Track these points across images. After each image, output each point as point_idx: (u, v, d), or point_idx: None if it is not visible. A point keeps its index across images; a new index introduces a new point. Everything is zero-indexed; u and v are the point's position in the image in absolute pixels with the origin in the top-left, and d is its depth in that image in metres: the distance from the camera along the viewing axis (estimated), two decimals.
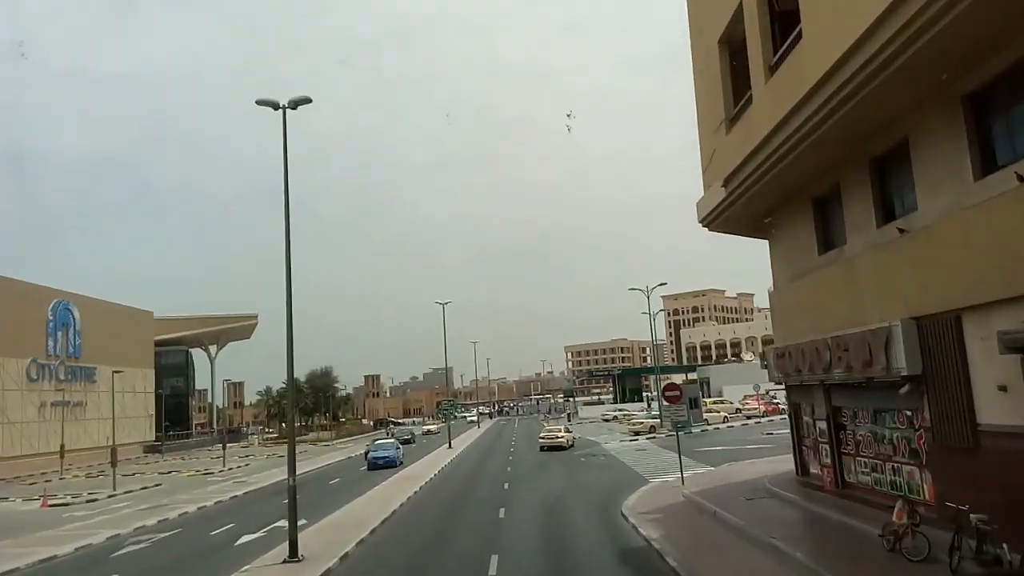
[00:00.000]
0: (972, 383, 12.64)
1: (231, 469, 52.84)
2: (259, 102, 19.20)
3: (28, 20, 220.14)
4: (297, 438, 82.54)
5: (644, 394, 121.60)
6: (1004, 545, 10.74)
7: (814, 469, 20.29)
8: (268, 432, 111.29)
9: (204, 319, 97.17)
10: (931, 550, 12.54)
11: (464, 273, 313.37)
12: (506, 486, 30.24)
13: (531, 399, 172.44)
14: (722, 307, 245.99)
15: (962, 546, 11.55)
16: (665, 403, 26.52)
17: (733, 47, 19.17)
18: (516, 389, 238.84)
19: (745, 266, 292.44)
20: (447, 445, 54.61)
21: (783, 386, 22.27)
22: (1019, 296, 11.11)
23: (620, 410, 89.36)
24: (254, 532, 23.77)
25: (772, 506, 19.74)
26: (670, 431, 54.29)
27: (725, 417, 61.54)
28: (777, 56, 15.92)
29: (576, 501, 25.04)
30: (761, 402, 66.16)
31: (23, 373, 64.94)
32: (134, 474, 55.42)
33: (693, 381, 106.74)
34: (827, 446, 18.85)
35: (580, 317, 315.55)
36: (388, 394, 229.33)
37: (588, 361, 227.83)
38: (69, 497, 38.19)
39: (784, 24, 16.03)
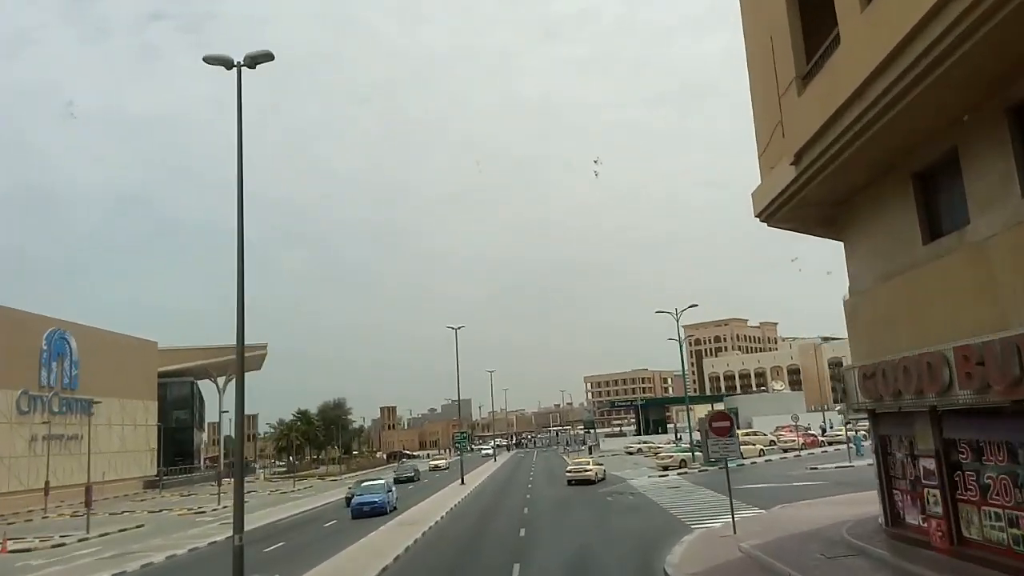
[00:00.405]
0: None
1: (226, 507, 48.74)
2: (208, 59, 15.64)
3: (61, 67, 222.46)
4: (305, 472, 78.26)
5: (670, 425, 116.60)
6: None
7: (913, 519, 15.97)
8: (277, 466, 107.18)
9: (210, 350, 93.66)
10: None
11: (483, 308, 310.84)
12: (522, 532, 25.99)
13: (550, 431, 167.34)
14: (745, 336, 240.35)
15: None
16: (712, 436, 22.25)
17: None
18: (535, 420, 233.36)
19: (767, 296, 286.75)
20: (459, 481, 50.31)
21: (849, 415, 18.17)
22: None
23: (644, 442, 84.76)
24: None
25: (862, 568, 15.42)
26: (703, 466, 49.88)
27: (761, 450, 56.81)
28: None
29: (606, 555, 20.78)
30: (799, 434, 61.34)
31: (13, 405, 61.52)
32: (123, 512, 51.54)
33: (720, 411, 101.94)
34: (937, 490, 14.55)
35: (599, 350, 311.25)
36: (406, 426, 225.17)
37: (608, 392, 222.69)
38: (37, 541, 34.34)
39: None
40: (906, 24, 10.83)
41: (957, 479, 14.19)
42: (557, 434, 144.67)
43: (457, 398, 52.96)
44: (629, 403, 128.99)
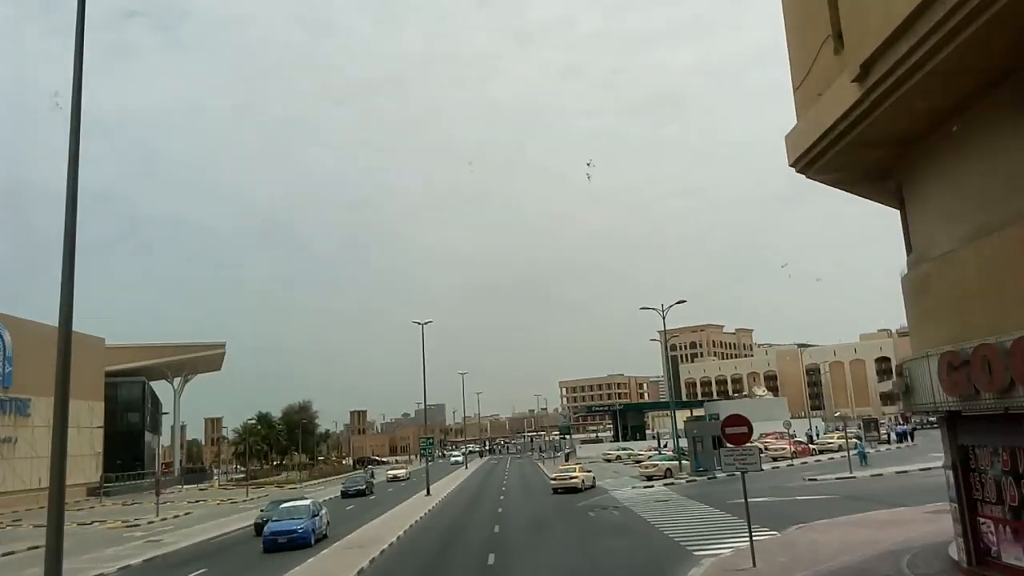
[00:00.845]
0: None
1: (164, 520, 43.93)
2: None
3: (31, 61, 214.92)
4: (263, 479, 73.02)
5: (650, 432, 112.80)
6: None
7: (1014, 557, 11.90)
8: (237, 472, 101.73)
9: (164, 348, 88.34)
10: None
11: (458, 313, 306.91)
12: (491, 559, 21.67)
13: (524, 436, 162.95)
14: (721, 342, 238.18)
15: None
16: (726, 444, 18.15)
17: None
18: (509, 426, 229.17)
19: (741, 303, 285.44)
20: (424, 492, 45.81)
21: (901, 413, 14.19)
22: None
23: (623, 449, 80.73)
24: None
25: None
26: (691, 475, 45.95)
27: None
28: None
29: None
30: (789, 442, 57.63)
31: None
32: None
33: (700, 418, 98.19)
34: None
35: (575, 355, 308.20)
36: (379, 431, 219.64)
37: (583, 397, 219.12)
38: None
39: None
40: None
41: None
42: (531, 440, 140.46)
43: (423, 399, 48.58)
44: (606, 408, 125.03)
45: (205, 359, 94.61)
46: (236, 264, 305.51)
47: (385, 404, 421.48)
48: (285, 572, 20.99)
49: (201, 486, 79.66)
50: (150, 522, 42.89)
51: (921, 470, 41.44)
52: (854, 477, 39.71)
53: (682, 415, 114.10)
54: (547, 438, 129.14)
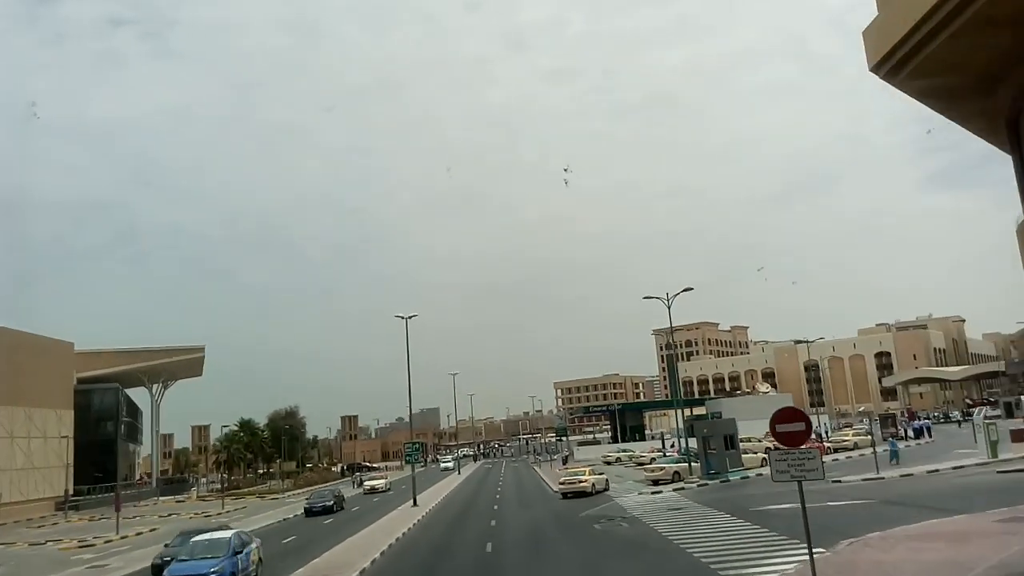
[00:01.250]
0: None
1: (125, 538, 39.91)
2: None
3: (22, 71, 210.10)
4: (245, 489, 68.77)
5: (649, 432, 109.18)
6: None
7: None
8: (221, 481, 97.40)
9: (138, 352, 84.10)
10: None
11: (453, 316, 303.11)
12: None
13: (519, 439, 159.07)
14: (716, 340, 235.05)
15: None
16: (776, 446, 14.38)
17: None
18: (504, 429, 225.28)
19: (735, 301, 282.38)
20: (411, 502, 41.89)
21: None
22: None
23: (623, 450, 77.01)
24: None
25: None
26: (702, 479, 42.15)
27: (763, 459, 49.17)
28: None
29: None
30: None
31: None
32: (3, 544, 42.19)
33: (701, 416, 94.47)
34: None
35: (570, 352, 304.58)
36: (374, 436, 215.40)
37: (579, 399, 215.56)
38: None
39: None
40: None
41: None
42: (527, 442, 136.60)
43: (408, 399, 44.36)
44: (604, 408, 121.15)
45: (184, 364, 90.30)
46: (231, 270, 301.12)
47: (381, 409, 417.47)
48: None
49: (179, 497, 75.42)
50: (107, 541, 38.88)
51: (954, 468, 37.85)
52: (882, 478, 36.08)
53: (684, 414, 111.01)
54: (543, 440, 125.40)
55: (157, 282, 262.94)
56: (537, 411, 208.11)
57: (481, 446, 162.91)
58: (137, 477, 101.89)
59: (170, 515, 55.73)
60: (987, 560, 14.86)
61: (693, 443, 44.45)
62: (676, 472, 43.15)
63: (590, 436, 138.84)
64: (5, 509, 59.77)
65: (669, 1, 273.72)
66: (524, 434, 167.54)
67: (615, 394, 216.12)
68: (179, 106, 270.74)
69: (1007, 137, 11.82)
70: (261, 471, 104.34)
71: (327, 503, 45.22)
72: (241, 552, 20.72)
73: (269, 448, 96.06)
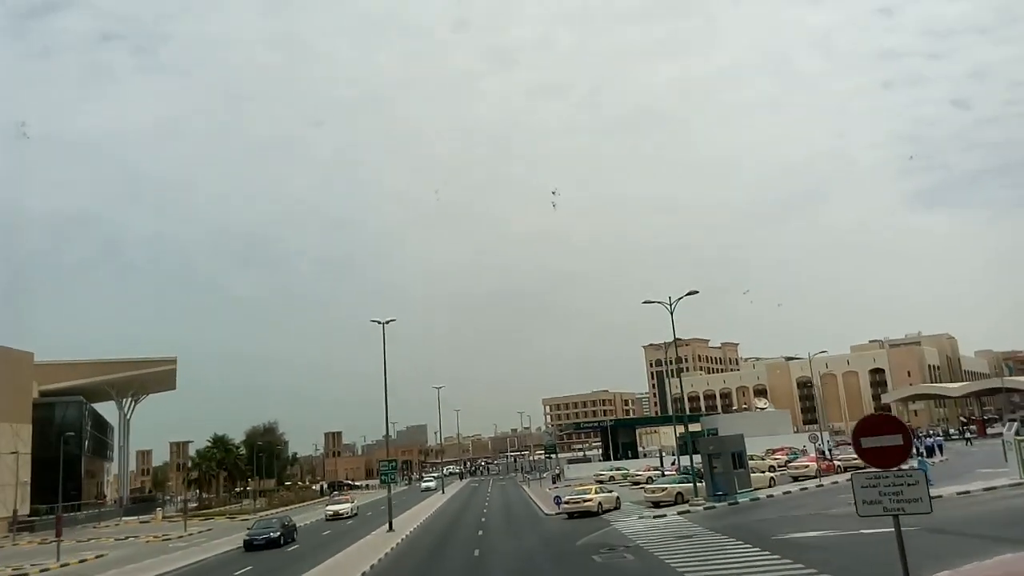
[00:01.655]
0: None
1: (65, 566, 35.67)
2: None
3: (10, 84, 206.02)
4: (216, 509, 64.08)
5: (642, 449, 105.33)
6: None
7: None
8: (190, 501, 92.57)
9: (105, 364, 79.62)
10: None
11: (440, 333, 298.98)
12: None
13: (507, 456, 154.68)
14: (706, 357, 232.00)
15: None
16: (863, 464, 10.64)
17: None
18: (492, 446, 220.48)
19: (724, 318, 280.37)
20: (386, 527, 37.78)
21: None
22: None
23: (616, 468, 73.01)
24: None
25: None
26: (708, 501, 38.38)
27: (772, 479, 45.54)
28: None
29: None
30: (813, 458, 50.18)
31: None
32: None
33: (698, 433, 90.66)
34: None
35: (559, 368, 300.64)
36: (360, 453, 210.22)
37: (568, 416, 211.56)
38: None
39: None
40: None
41: None
42: (515, 460, 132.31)
43: (385, 410, 40.29)
44: (596, 424, 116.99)
45: (155, 377, 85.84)
46: (220, 283, 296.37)
47: (370, 425, 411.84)
48: None
49: (144, 518, 70.64)
50: (44, 570, 34.57)
51: (985, 490, 34.30)
52: None
53: (666, 431, 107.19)
54: (531, 458, 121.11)
55: (144, 296, 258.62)
56: (525, 428, 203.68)
57: (468, 463, 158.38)
58: (107, 496, 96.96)
59: (127, 538, 51.30)
60: None
61: (694, 460, 40.68)
62: (679, 493, 39.36)
63: (579, 453, 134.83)
64: None
65: (657, 19, 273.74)
66: (512, 451, 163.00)
67: (604, 411, 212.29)
68: (168, 119, 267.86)
69: None
70: (238, 489, 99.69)
71: (272, 534, 36.78)
72: None
73: (245, 466, 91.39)
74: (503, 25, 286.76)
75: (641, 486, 49.57)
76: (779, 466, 56.65)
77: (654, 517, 34.55)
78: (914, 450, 58.42)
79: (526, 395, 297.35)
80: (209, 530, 54.28)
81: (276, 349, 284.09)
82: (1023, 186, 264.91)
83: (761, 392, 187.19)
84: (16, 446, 64.09)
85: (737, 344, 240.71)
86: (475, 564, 25.11)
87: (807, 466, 48.62)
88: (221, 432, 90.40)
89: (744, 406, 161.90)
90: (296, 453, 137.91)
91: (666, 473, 52.46)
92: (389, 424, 48.81)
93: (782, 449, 70.83)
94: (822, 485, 42.83)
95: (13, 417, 64.60)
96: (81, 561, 37.57)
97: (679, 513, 34.97)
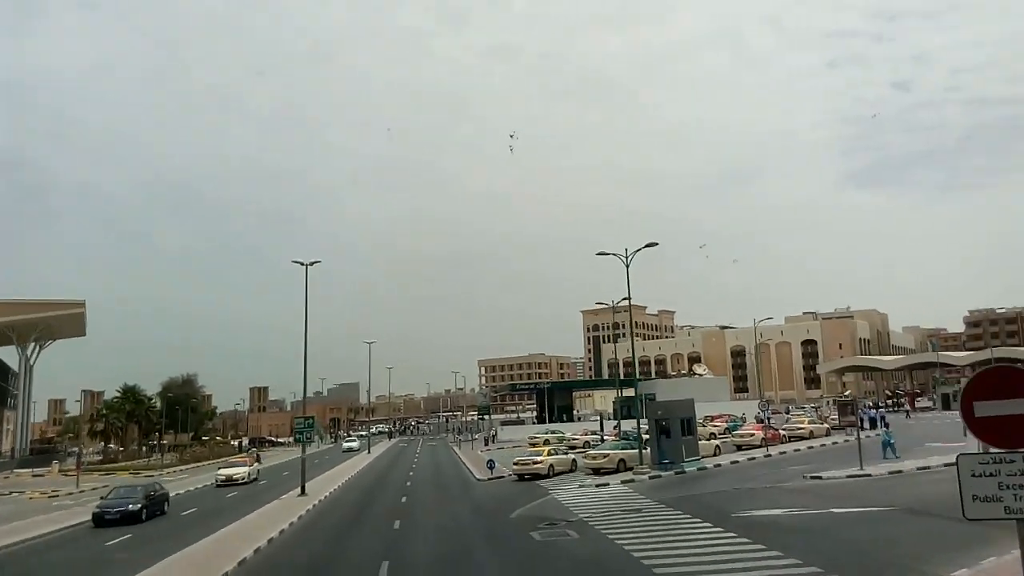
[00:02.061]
0: None
1: None
2: None
3: None
4: (125, 463, 57.36)
5: (577, 412, 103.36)
6: None
7: None
8: (98, 454, 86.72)
9: (3, 305, 72.63)
10: None
11: (378, 290, 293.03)
12: None
13: (440, 416, 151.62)
14: (643, 324, 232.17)
15: None
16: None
17: None
18: (424, 406, 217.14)
19: (661, 285, 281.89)
20: (298, 491, 33.85)
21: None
22: None
23: (552, 432, 70.23)
24: None
25: None
26: (653, 469, 35.57)
27: (717, 447, 43.09)
28: None
29: None
30: (759, 426, 48.01)
31: None
32: None
33: (631, 398, 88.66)
34: None
35: (495, 337, 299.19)
36: (290, 409, 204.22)
37: (503, 378, 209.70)
38: None
39: None
40: None
41: None
42: (447, 420, 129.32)
43: (304, 361, 35.65)
44: (532, 386, 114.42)
45: (61, 321, 79.11)
46: (148, 232, 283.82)
47: (300, 383, 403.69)
48: None
49: (39, 471, 64.95)
50: None
51: (946, 465, 32.19)
52: (870, 475, 30.01)
53: (610, 395, 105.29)
54: (463, 419, 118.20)
55: (69, 244, 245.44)
56: (459, 388, 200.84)
57: (398, 423, 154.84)
58: (8, 446, 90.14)
59: (10, 493, 46.23)
60: None
61: (633, 426, 37.82)
62: (622, 460, 36.44)
63: (514, 415, 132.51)
64: None
65: None
66: (445, 411, 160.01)
67: (540, 374, 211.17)
68: (103, 62, 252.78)
69: None
70: (152, 443, 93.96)
71: (131, 506, 29.19)
72: None
73: (159, 418, 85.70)
74: None
75: (578, 451, 46.75)
76: (719, 433, 54.59)
77: (596, 486, 31.52)
78: (861, 423, 57.21)
79: (464, 356, 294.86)
80: (105, 486, 49.34)
81: (207, 303, 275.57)
82: (953, 170, 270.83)
83: (696, 359, 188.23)
84: None
85: (673, 312, 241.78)
86: (393, 540, 21.45)
87: (752, 435, 46.41)
88: (138, 383, 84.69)
89: (680, 372, 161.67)
90: (216, 407, 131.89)
91: (605, 438, 49.62)
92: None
93: (721, 416, 69.14)
94: (770, 455, 40.54)
95: None
96: None
97: (623, 482, 31.97)
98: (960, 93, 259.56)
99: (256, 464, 51.34)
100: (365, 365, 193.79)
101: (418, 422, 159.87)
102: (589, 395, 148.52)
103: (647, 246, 34.86)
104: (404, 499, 31.68)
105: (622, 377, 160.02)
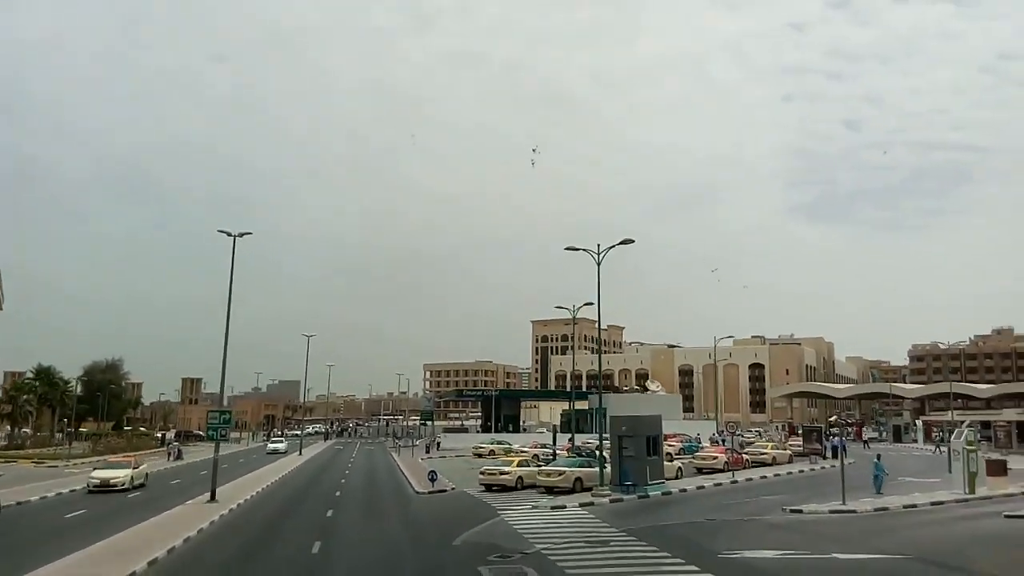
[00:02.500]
0: None
1: None
2: None
3: None
4: (29, 451, 50.05)
5: (523, 423, 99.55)
6: None
7: None
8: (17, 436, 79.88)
9: None
10: None
11: (321, 289, 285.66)
12: None
13: (380, 419, 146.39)
14: (592, 338, 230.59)
15: None
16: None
17: None
18: (366, 408, 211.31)
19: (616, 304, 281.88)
20: (208, 496, 29.33)
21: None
22: None
23: (498, 442, 66.47)
24: None
25: None
26: (614, 491, 32.01)
27: (679, 469, 39.76)
28: None
29: None
30: (721, 448, 44.91)
31: None
32: None
33: (583, 411, 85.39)
34: None
35: (442, 342, 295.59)
36: (227, 404, 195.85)
37: (449, 383, 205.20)
38: None
39: None
40: None
41: None
42: (387, 424, 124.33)
43: (224, 346, 30.87)
44: (480, 393, 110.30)
45: None
46: (91, 214, 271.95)
47: (240, 375, 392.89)
48: None
49: None
50: None
51: (933, 504, 29.39)
52: (854, 511, 26.94)
53: (558, 407, 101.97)
54: (404, 423, 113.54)
55: (4, 222, 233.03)
56: (403, 392, 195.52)
57: (336, 424, 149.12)
58: None
59: None
60: None
61: (585, 440, 34.35)
62: (579, 478, 32.84)
63: (457, 423, 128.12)
64: None
65: (581, 5, 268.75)
66: (386, 414, 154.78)
67: (486, 381, 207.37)
68: (55, 35, 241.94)
69: None
70: (71, 430, 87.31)
71: None
72: None
73: (70, 403, 79.31)
74: None
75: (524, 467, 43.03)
76: (676, 454, 51.41)
77: (551, 508, 27.81)
78: (825, 451, 54.56)
79: (409, 359, 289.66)
80: (1, 475, 44.15)
81: (147, 289, 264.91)
82: (895, 209, 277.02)
83: (643, 376, 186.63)
84: None
85: (623, 328, 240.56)
86: (309, 568, 17.39)
87: (715, 458, 43.30)
88: (63, 367, 78.38)
89: (631, 388, 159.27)
90: (140, 396, 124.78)
91: (558, 453, 46.01)
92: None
93: (676, 436, 66.15)
94: (736, 482, 37.39)
95: None
96: None
97: (581, 505, 28.33)
98: (907, 135, 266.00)
99: (144, 466, 40.10)
100: (303, 361, 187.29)
101: (357, 424, 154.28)
102: (535, 406, 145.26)
103: (622, 243, 31.41)
104: (330, 512, 27.45)
105: (574, 389, 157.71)
